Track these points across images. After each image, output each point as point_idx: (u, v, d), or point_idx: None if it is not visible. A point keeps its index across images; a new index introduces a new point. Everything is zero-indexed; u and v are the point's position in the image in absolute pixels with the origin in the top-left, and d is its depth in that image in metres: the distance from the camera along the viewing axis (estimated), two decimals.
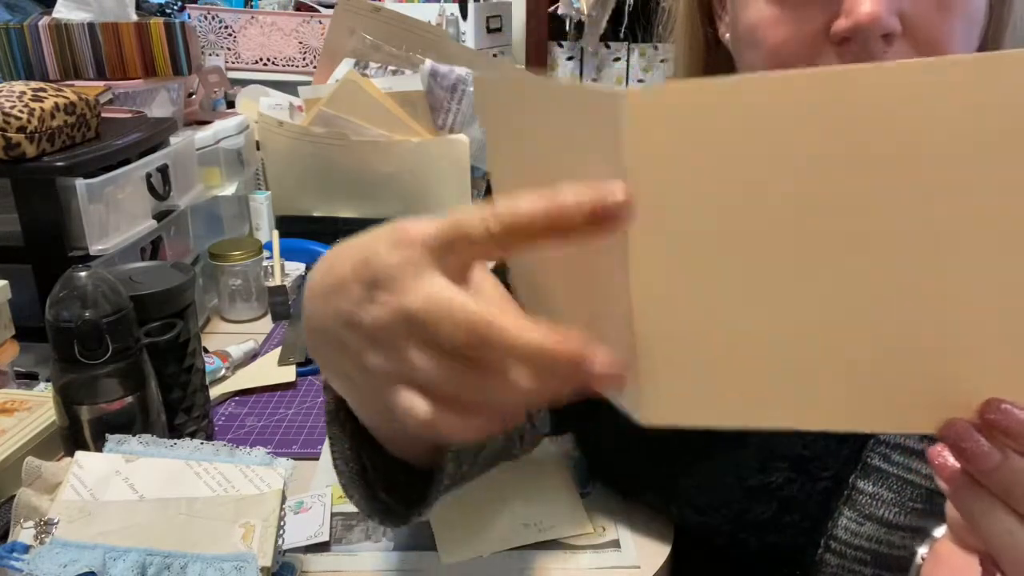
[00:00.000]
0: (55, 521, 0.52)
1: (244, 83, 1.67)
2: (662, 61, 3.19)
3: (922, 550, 0.36)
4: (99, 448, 0.59)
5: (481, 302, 0.30)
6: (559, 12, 2.98)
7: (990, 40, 0.49)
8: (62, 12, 1.23)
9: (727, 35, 0.56)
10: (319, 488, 0.71)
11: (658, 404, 0.29)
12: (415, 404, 0.32)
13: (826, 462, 0.56)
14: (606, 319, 0.31)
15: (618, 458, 0.65)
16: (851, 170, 0.26)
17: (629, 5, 2.87)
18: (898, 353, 0.28)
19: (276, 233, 1.25)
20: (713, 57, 0.59)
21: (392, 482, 0.50)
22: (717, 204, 0.27)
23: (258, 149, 1.40)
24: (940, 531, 0.34)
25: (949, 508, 0.32)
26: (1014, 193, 0.26)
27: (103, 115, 1.03)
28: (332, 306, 0.35)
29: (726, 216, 0.27)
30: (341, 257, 0.36)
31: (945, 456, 0.31)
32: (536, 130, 0.35)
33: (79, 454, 0.56)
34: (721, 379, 0.29)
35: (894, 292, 0.28)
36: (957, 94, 0.25)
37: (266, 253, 1.17)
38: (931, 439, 0.53)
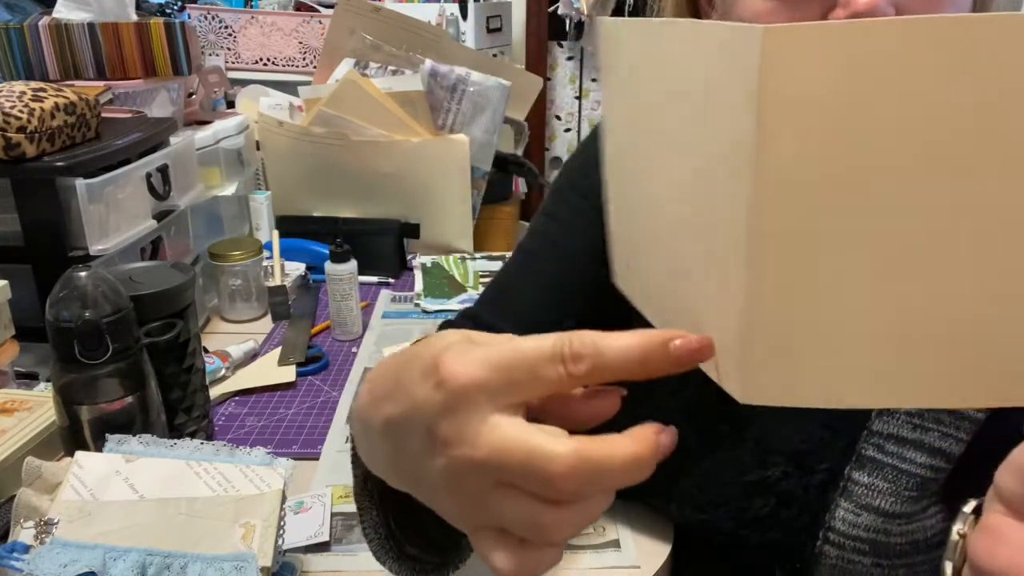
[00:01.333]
0: (55, 521, 0.52)
1: (244, 83, 1.67)
2: None
3: (957, 526, 0.34)
4: (99, 448, 0.59)
5: (560, 437, 0.28)
6: (559, 12, 2.98)
7: None
8: (62, 12, 1.23)
9: None
10: (319, 488, 0.71)
11: (760, 383, 0.28)
12: (495, 554, 0.29)
13: (822, 455, 0.56)
14: (709, 287, 0.29)
15: None
16: (983, 128, 0.24)
17: (629, 5, 2.87)
18: (1004, 325, 0.27)
19: (276, 233, 1.25)
20: None
21: (425, 539, 0.50)
22: (845, 157, 0.25)
23: (258, 149, 1.40)
24: (970, 506, 0.33)
25: (1007, 480, 0.31)
26: None
27: (103, 115, 1.03)
28: (392, 443, 0.33)
29: (852, 172, 0.25)
30: (387, 390, 0.33)
31: None
32: (664, 72, 0.32)
33: (79, 454, 0.56)
34: (827, 357, 0.27)
35: (1008, 261, 0.26)
36: None
37: (266, 253, 1.17)
38: (923, 428, 0.54)
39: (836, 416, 0.56)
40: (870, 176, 0.25)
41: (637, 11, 2.82)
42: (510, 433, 0.28)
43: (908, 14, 0.45)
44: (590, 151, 0.67)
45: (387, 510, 0.47)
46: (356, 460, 0.45)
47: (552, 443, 0.27)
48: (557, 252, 0.66)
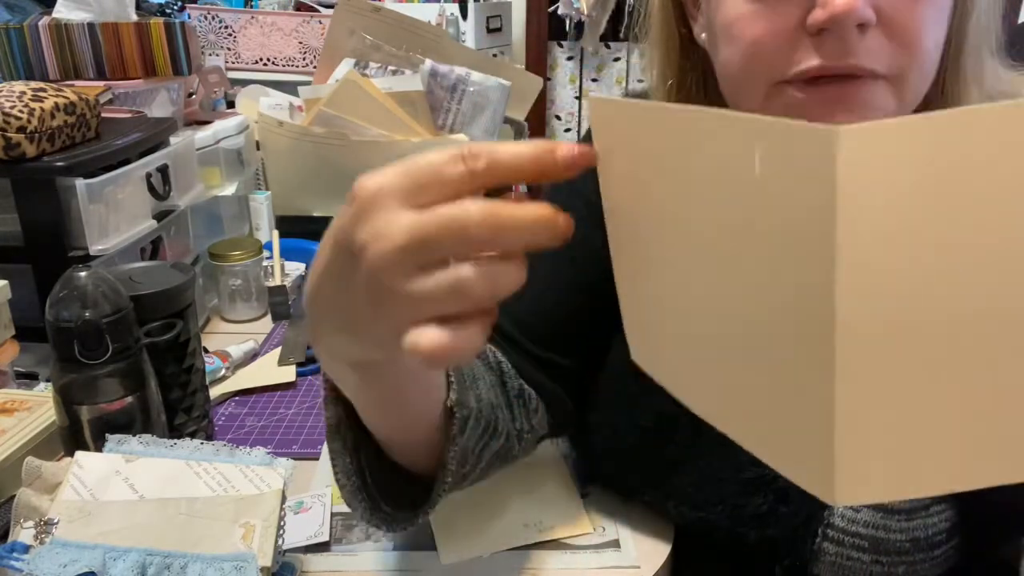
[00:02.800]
0: (55, 521, 0.52)
1: (244, 83, 1.67)
2: (615, 60, 3.19)
3: None
4: (99, 448, 0.59)
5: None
6: (559, 12, 2.98)
7: (955, 30, 0.51)
8: (62, 12, 1.23)
9: (703, 35, 0.57)
10: (319, 488, 0.71)
11: (854, 483, 0.26)
12: (423, 336, 0.31)
13: None
14: (788, 384, 0.28)
15: (615, 457, 0.66)
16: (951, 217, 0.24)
17: (629, 5, 2.87)
18: None
19: (276, 233, 1.24)
20: (688, 58, 0.59)
21: (393, 491, 0.51)
22: (927, 253, 0.24)
23: (258, 149, 1.40)
24: None
25: None
26: None
27: (103, 115, 1.03)
28: (327, 287, 0.36)
29: (932, 268, 0.25)
30: (322, 244, 0.37)
31: None
32: (685, 164, 0.31)
33: (79, 454, 0.56)
34: (913, 451, 0.26)
35: None
36: None
37: (266, 253, 1.17)
38: None
39: None
40: (948, 270, 0.25)
41: (635, 15, 2.82)
42: (424, 214, 0.30)
43: (888, 14, 0.46)
44: None
45: (360, 459, 0.48)
46: (328, 402, 0.47)
47: (464, 204, 0.30)
48: (553, 250, 0.65)
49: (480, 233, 0.30)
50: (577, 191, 0.69)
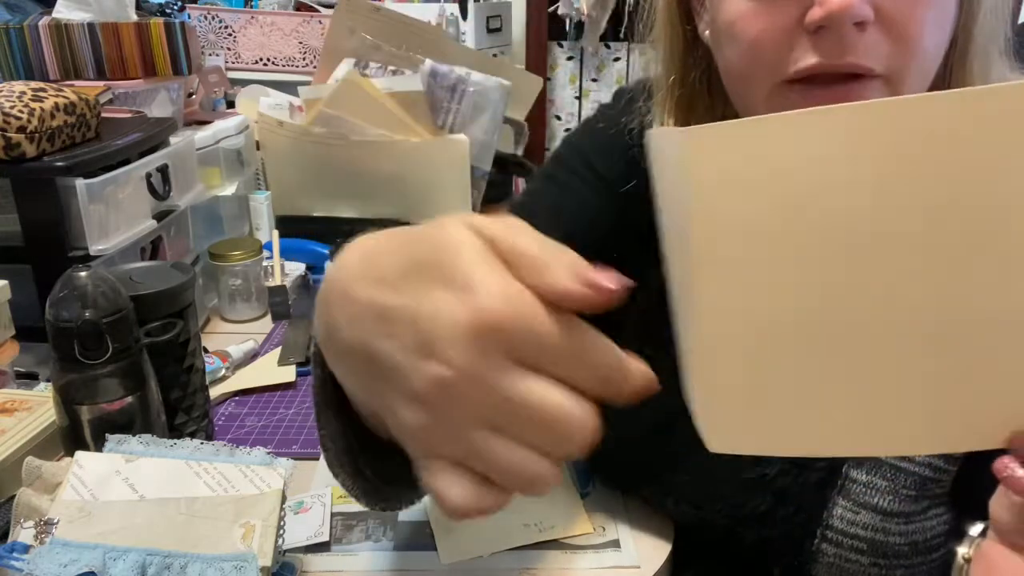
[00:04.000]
0: (55, 521, 0.52)
1: (244, 83, 1.67)
2: (615, 60, 3.19)
3: (962, 550, 0.36)
4: (99, 448, 0.59)
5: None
6: (559, 12, 2.98)
7: (960, 30, 0.51)
8: (62, 12, 1.23)
9: (707, 33, 0.57)
10: (319, 488, 0.71)
11: (726, 434, 0.31)
12: (454, 487, 0.29)
13: None
14: (688, 353, 0.31)
15: (615, 454, 0.66)
16: (891, 196, 0.27)
17: (629, 5, 2.87)
18: (961, 373, 0.29)
19: (276, 233, 1.24)
20: (692, 55, 0.59)
21: (381, 463, 0.49)
22: (776, 232, 0.28)
23: (258, 149, 1.40)
24: (976, 529, 0.35)
25: (998, 512, 0.32)
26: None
27: (103, 115, 1.03)
28: (375, 328, 0.31)
29: (784, 244, 0.28)
30: (393, 273, 0.31)
31: (1013, 468, 0.32)
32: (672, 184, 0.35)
33: (79, 454, 0.56)
34: (789, 409, 0.30)
35: (949, 315, 0.28)
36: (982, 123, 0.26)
37: (266, 253, 1.17)
38: None
39: None
40: (799, 246, 0.28)
41: (638, 11, 2.82)
42: (539, 389, 0.28)
43: (886, 12, 0.46)
44: (591, 128, 0.68)
45: (347, 425, 0.46)
46: (318, 359, 0.44)
47: (581, 408, 0.28)
48: (555, 212, 0.65)
49: (569, 445, 0.28)
50: (577, 149, 0.69)
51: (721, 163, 0.27)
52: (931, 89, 0.51)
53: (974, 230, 0.27)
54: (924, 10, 0.47)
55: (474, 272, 0.28)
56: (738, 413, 0.30)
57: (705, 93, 0.60)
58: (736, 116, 0.56)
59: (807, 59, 0.47)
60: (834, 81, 0.47)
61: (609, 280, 0.27)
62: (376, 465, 0.48)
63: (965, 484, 0.54)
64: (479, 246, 0.29)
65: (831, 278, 0.28)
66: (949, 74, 0.51)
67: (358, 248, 0.35)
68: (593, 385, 0.29)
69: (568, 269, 0.28)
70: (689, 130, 0.27)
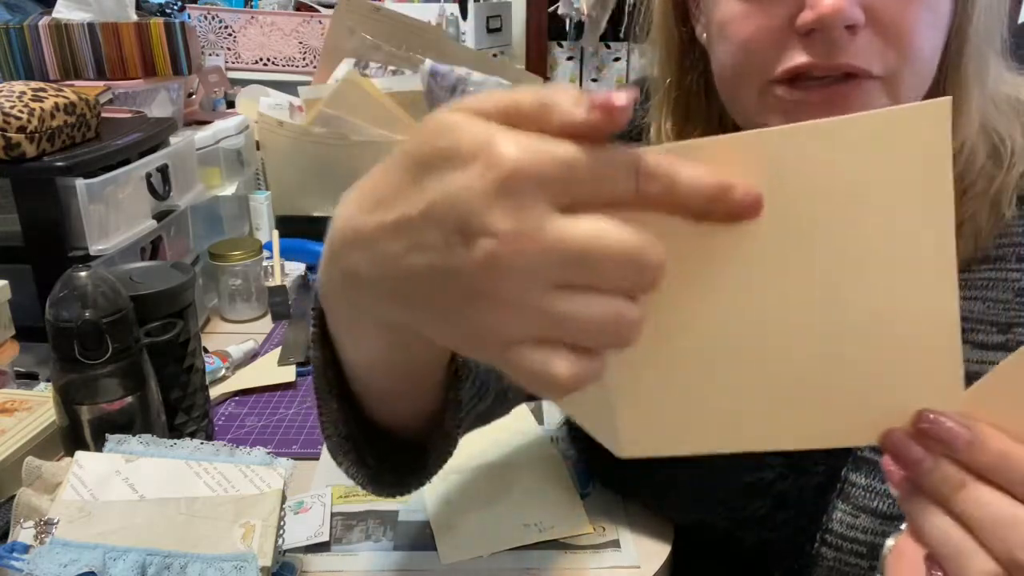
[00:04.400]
0: (55, 521, 0.52)
1: (244, 83, 1.67)
2: (615, 60, 3.19)
3: (889, 541, 0.38)
4: (99, 448, 0.59)
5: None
6: (559, 12, 2.98)
7: (955, 32, 0.50)
8: (62, 12, 1.23)
9: (703, 35, 0.57)
10: (319, 488, 0.71)
11: (630, 441, 0.34)
12: (558, 363, 0.27)
13: (818, 456, 0.56)
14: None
15: (614, 456, 0.66)
16: (774, 220, 0.29)
17: (629, 5, 2.87)
18: (833, 376, 0.32)
19: (276, 233, 1.25)
20: (689, 58, 0.59)
21: (383, 448, 0.49)
22: (686, 264, 0.30)
23: (258, 149, 1.40)
24: (905, 524, 0.37)
25: (905, 508, 0.35)
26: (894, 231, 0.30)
27: (103, 115, 1.03)
28: (394, 246, 0.30)
29: (672, 268, 0.29)
30: (389, 176, 0.30)
31: (888, 462, 0.34)
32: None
33: (79, 454, 0.56)
34: (681, 417, 0.34)
35: (821, 321, 0.31)
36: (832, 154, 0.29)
37: (266, 253, 1.17)
38: None
39: None
40: (707, 285, 0.31)
41: (638, 12, 2.82)
42: (586, 227, 0.26)
43: (878, 15, 0.46)
44: None
45: (348, 411, 0.46)
46: (317, 341, 0.43)
47: (639, 236, 0.26)
48: None
49: (648, 272, 0.27)
50: None
51: None
52: (929, 90, 0.51)
53: (837, 247, 0.30)
54: (916, 12, 0.47)
55: (478, 137, 0.27)
56: (647, 422, 0.34)
57: (702, 95, 0.60)
58: (732, 118, 0.56)
59: (797, 58, 0.47)
60: (831, 81, 0.47)
61: (617, 98, 0.26)
62: (378, 450, 0.48)
63: None
64: (474, 118, 0.28)
65: (714, 297, 0.31)
66: (945, 75, 0.51)
67: (352, 192, 0.34)
68: (634, 198, 0.27)
69: (571, 101, 0.27)
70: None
